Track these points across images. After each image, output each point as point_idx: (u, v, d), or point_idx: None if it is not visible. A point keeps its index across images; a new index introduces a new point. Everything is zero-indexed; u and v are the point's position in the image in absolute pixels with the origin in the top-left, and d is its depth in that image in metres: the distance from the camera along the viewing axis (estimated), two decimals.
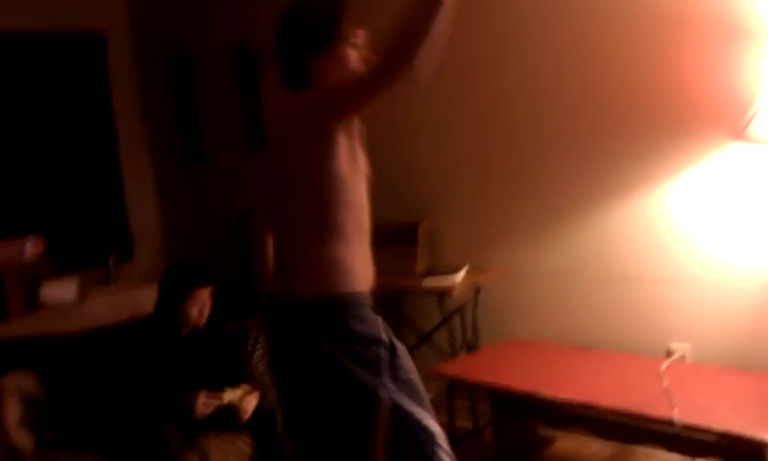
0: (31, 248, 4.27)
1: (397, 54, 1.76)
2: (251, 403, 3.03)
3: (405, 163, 3.91)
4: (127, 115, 5.67)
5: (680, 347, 3.14)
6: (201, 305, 3.03)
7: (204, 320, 3.06)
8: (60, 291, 3.96)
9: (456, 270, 3.60)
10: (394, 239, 3.73)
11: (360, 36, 2.04)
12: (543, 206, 3.54)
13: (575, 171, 3.40)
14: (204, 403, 2.93)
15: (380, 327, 2.02)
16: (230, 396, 2.97)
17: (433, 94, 3.67)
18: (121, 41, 5.65)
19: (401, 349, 2.05)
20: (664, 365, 2.97)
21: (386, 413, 1.94)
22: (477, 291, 3.67)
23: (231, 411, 2.99)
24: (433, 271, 3.69)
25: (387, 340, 2.01)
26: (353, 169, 2.01)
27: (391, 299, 3.88)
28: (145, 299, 3.89)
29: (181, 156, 5.60)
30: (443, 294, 3.57)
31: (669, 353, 3.13)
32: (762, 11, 2.80)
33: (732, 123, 2.77)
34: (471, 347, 3.71)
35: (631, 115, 3.21)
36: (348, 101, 1.93)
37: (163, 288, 3.10)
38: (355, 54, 2.03)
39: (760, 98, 2.64)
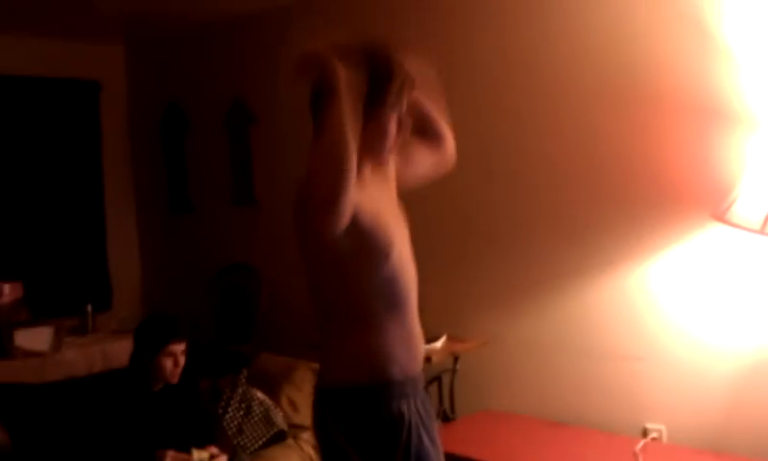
0: (7, 294, 4.25)
1: (319, 203, 1.65)
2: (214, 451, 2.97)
3: None
4: (115, 163, 5.69)
5: (655, 427, 3.11)
6: (174, 359, 2.99)
7: (177, 375, 3.02)
8: (35, 339, 3.91)
9: (435, 338, 3.57)
10: None
11: (405, 104, 1.86)
12: (524, 278, 3.54)
13: (556, 245, 3.42)
14: None
15: (403, 428, 1.84)
16: (198, 455, 2.92)
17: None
18: (116, 90, 5.72)
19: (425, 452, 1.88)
20: (639, 445, 2.95)
21: None
22: (455, 360, 3.65)
23: None
24: None
25: (412, 445, 1.84)
26: (362, 248, 1.80)
27: None
28: (120, 351, 3.87)
29: (167, 207, 5.61)
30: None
31: (645, 433, 3.11)
32: (746, 96, 2.85)
33: (714, 205, 2.79)
34: (447, 417, 3.67)
35: (613, 192, 3.24)
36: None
37: (137, 340, 3.07)
38: (395, 124, 1.85)
39: (742, 182, 2.66)
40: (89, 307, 4.37)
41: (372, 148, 1.84)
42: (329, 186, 1.63)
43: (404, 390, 1.87)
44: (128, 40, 5.69)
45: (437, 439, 1.95)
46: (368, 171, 1.87)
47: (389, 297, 1.85)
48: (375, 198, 1.85)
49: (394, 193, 2.01)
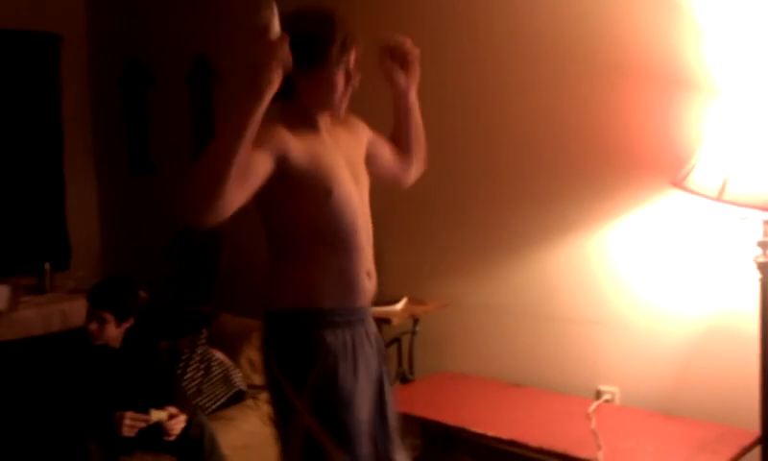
0: None
1: (187, 206, 1.75)
2: (178, 424, 2.98)
3: None
4: (75, 120, 5.59)
5: (608, 389, 3.17)
6: (92, 323, 3.02)
7: (101, 340, 3.04)
8: None
9: (396, 300, 3.60)
10: None
11: (351, 58, 2.01)
12: (483, 242, 3.56)
13: (516, 209, 3.43)
14: (130, 424, 2.88)
15: (321, 352, 1.98)
16: (157, 415, 2.93)
17: (382, 126, 3.69)
18: (76, 43, 5.59)
19: (348, 390, 2.00)
20: (592, 407, 3.00)
21: (298, 435, 1.99)
22: (415, 322, 3.67)
23: (158, 431, 2.94)
24: (373, 299, 3.67)
25: (326, 369, 1.98)
26: (309, 187, 1.96)
27: None
28: (78, 310, 3.83)
29: (128, 165, 5.53)
30: (381, 323, 3.56)
31: (598, 395, 3.16)
32: (707, 64, 2.86)
33: (672, 172, 2.81)
34: (406, 378, 3.70)
35: (573, 157, 3.26)
36: None
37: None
38: (343, 77, 2.01)
39: (701, 149, 2.68)
40: (47, 266, 4.31)
41: (322, 101, 2.02)
42: (199, 198, 1.74)
43: (332, 319, 2.02)
44: None
45: (365, 375, 2.06)
46: (323, 120, 2.06)
47: (326, 234, 2.02)
48: (319, 145, 2.01)
49: (356, 148, 2.18)
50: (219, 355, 3.65)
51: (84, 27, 5.66)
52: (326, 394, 1.99)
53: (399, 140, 2.37)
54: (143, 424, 2.90)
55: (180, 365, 3.54)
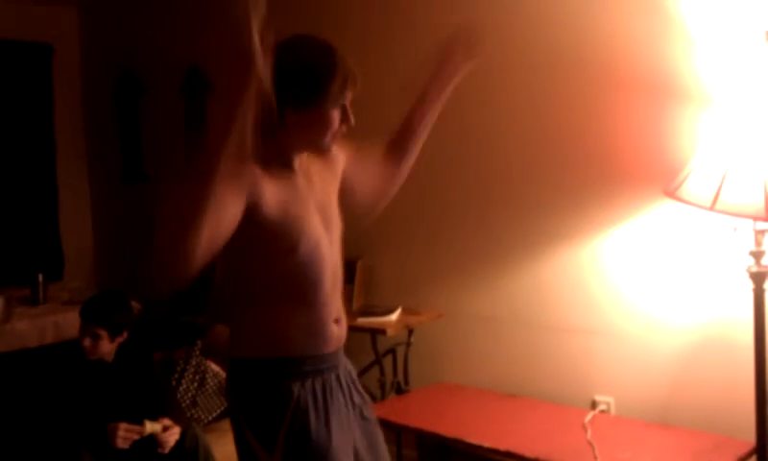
0: None
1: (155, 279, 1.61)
2: (173, 436, 2.97)
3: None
4: (68, 130, 5.57)
5: (604, 399, 3.17)
6: (90, 339, 3.01)
7: (95, 355, 3.03)
8: None
9: (391, 311, 3.60)
10: None
11: (348, 97, 1.86)
12: (477, 252, 3.56)
13: (510, 219, 3.44)
14: (124, 436, 2.87)
15: (290, 407, 1.85)
16: (151, 427, 2.92)
17: (372, 138, 3.69)
18: (69, 54, 5.57)
19: (323, 445, 1.86)
20: (588, 417, 3.00)
21: None
22: (410, 333, 3.67)
23: (152, 444, 2.93)
24: (368, 310, 3.68)
25: (297, 426, 1.85)
26: (277, 239, 1.81)
27: None
28: (71, 321, 3.81)
29: (121, 176, 5.52)
30: (376, 334, 3.56)
31: (594, 405, 3.17)
32: (699, 73, 2.87)
33: (666, 181, 2.82)
34: (401, 389, 3.70)
35: (567, 167, 3.26)
36: None
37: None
38: (338, 115, 1.85)
39: (694, 159, 2.69)
40: (41, 277, 4.29)
41: (311, 140, 1.87)
42: (165, 262, 1.59)
43: (300, 369, 1.89)
44: (82, 3, 5.54)
45: (339, 425, 1.92)
46: (299, 159, 1.89)
47: (291, 287, 1.88)
48: (292, 191, 1.84)
49: (331, 186, 2.02)
50: (214, 367, 3.64)
51: (76, 37, 5.65)
52: (299, 450, 1.86)
53: (401, 138, 2.23)
54: (137, 436, 2.90)
55: (175, 377, 3.52)
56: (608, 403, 3.16)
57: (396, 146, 2.25)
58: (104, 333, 3.02)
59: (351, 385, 2.03)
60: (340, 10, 3.96)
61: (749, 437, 2.65)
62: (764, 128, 2.48)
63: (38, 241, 5.34)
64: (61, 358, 3.13)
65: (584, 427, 2.92)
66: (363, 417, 2.03)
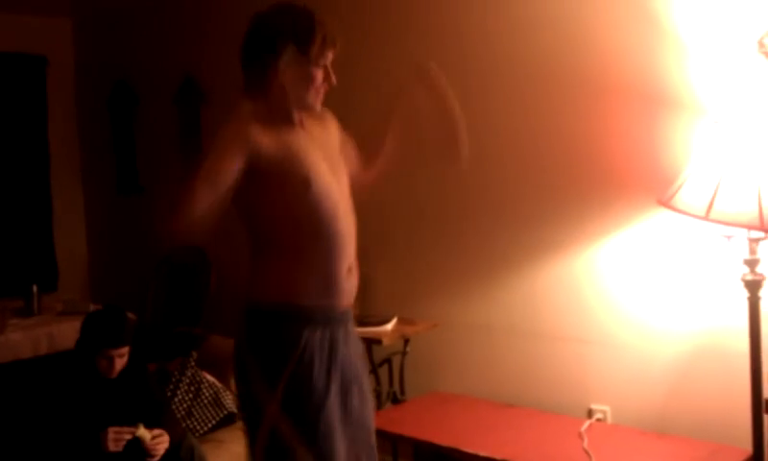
0: None
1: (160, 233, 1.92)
2: (161, 444, 2.95)
3: None
4: (62, 141, 5.58)
5: (600, 408, 3.17)
6: (109, 362, 2.97)
7: (114, 374, 2.99)
8: None
9: (386, 320, 3.60)
10: None
11: (329, 58, 2.05)
12: (472, 261, 3.57)
13: (504, 229, 3.45)
14: (115, 438, 2.85)
15: (298, 348, 2.00)
16: (143, 432, 2.90)
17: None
18: (63, 65, 5.58)
19: (320, 390, 2.02)
20: (585, 425, 3.01)
21: (265, 431, 2.00)
22: (406, 342, 3.67)
23: (142, 453, 2.91)
24: (363, 319, 3.67)
25: (301, 367, 2.00)
26: (293, 180, 1.99)
27: None
28: (66, 333, 3.81)
29: (115, 187, 5.51)
30: (371, 343, 3.56)
31: (590, 414, 3.17)
32: (693, 82, 2.89)
33: (660, 190, 2.83)
34: (397, 399, 3.70)
35: (561, 177, 3.27)
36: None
37: (81, 335, 3.04)
38: (320, 74, 2.04)
39: (687, 168, 2.71)
40: (35, 288, 4.28)
41: (297, 96, 2.04)
42: (168, 212, 1.85)
43: (311, 317, 2.03)
44: (76, 14, 5.55)
45: (339, 377, 2.06)
46: (297, 115, 2.07)
47: (307, 227, 2.02)
48: (295, 139, 2.03)
49: (331, 141, 2.20)
50: (209, 378, 3.63)
51: (70, 49, 5.66)
52: (299, 391, 2.00)
53: (376, 139, 2.37)
54: (129, 436, 2.86)
55: (170, 388, 3.51)
56: (604, 412, 3.16)
57: (367, 161, 2.39)
58: (126, 351, 3.00)
59: (355, 350, 2.18)
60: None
61: (745, 445, 2.65)
62: (757, 137, 2.49)
63: (33, 252, 5.33)
64: (59, 371, 3.10)
65: (580, 436, 2.92)
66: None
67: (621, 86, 3.07)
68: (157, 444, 2.93)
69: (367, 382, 2.24)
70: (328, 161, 2.11)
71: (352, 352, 2.15)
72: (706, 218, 2.55)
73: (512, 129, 3.39)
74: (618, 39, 3.06)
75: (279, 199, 2.00)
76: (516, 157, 3.40)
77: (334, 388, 2.05)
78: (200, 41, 4.78)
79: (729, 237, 2.64)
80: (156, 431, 2.95)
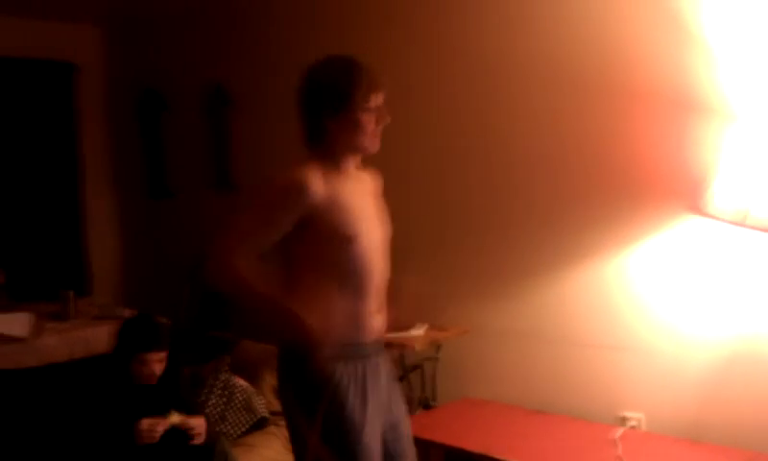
0: None
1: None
2: (199, 422, 2.95)
3: None
4: (93, 147, 5.65)
5: (633, 416, 3.16)
6: (148, 367, 2.97)
7: (154, 379, 3.00)
8: (15, 325, 3.87)
9: (418, 326, 3.61)
10: None
11: (375, 101, 2.15)
12: (503, 267, 3.57)
13: (534, 235, 3.45)
14: (149, 428, 2.85)
15: (331, 383, 2.11)
16: (177, 418, 2.91)
17: (397, 153, 3.72)
18: (93, 72, 5.64)
19: (357, 420, 2.13)
20: (618, 433, 3.00)
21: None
22: (437, 348, 3.68)
23: (183, 439, 2.92)
24: (395, 326, 3.68)
25: (336, 400, 2.11)
26: (339, 235, 2.10)
27: None
28: (101, 337, 3.86)
29: (146, 192, 5.58)
30: (403, 350, 3.57)
31: (623, 421, 3.16)
32: (722, 88, 2.88)
33: (691, 196, 2.83)
34: (428, 404, 3.71)
35: (591, 182, 3.27)
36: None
37: (118, 341, 3.06)
38: (370, 118, 2.15)
39: (719, 174, 2.70)
40: (71, 293, 4.33)
41: (352, 142, 2.17)
42: (217, 266, 2.12)
43: (343, 352, 2.14)
44: (106, 22, 5.61)
45: (376, 406, 2.19)
46: (349, 164, 2.21)
47: (341, 277, 2.14)
48: (344, 189, 2.16)
49: (371, 188, 2.34)
50: (241, 382, 3.66)
51: (101, 56, 5.72)
52: (336, 423, 2.11)
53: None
54: (162, 428, 2.86)
55: (204, 391, 3.55)
56: (638, 419, 3.15)
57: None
58: (164, 356, 3.01)
59: (390, 381, 2.31)
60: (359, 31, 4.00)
61: None
62: None
63: (66, 257, 5.40)
64: (95, 376, 3.12)
65: (614, 444, 2.91)
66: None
67: (650, 92, 3.06)
68: (195, 420, 2.93)
69: (404, 415, 2.39)
70: (372, 210, 2.26)
71: (384, 384, 2.26)
72: (740, 224, 2.54)
73: (540, 134, 3.39)
74: (647, 45, 3.05)
75: (321, 248, 2.12)
76: (545, 163, 3.40)
77: (371, 417, 2.17)
78: (229, 50, 4.83)
79: (764, 242, 2.63)
80: (190, 421, 2.95)
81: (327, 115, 2.12)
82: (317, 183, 2.07)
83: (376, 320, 2.23)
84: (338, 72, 2.14)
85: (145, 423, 2.85)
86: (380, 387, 2.24)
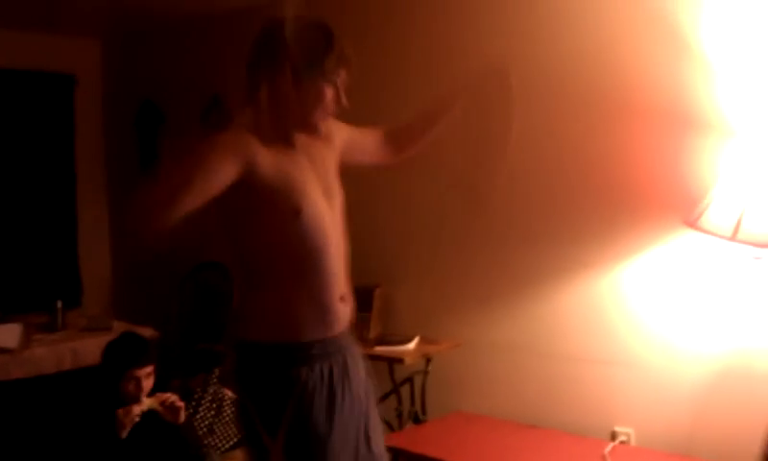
0: None
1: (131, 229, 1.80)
2: (177, 404, 2.93)
3: (363, 229, 3.88)
4: (89, 159, 5.64)
5: (624, 430, 3.13)
6: (137, 383, 2.95)
7: (142, 395, 2.97)
8: (3, 336, 3.83)
9: (408, 339, 3.58)
10: None
11: (342, 77, 1.94)
12: (496, 280, 3.55)
13: (528, 248, 3.43)
14: (124, 412, 2.83)
15: (295, 392, 1.88)
16: (149, 402, 2.89)
17: (394, 166, 3.71)
18: (91, 84, 5.65)
19: (322, 434, 1.90)
20: (608, 448, 2.97)
21: None
22: (428, 361, 3.65)
23: (163, 426, 2.89)
24: (385, 339, 3.67)
25: (300, 411, 1.89)
26: (284, 209, 1.89)
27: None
28: (90, 348, 3.83)
29: None
30: (393, 363, 3.54)
31: (613, 436, 3.13)
32: (720, 103, 2.87)
33: (686, 211, 2.81)
34: (419, 418, 3.67)
35: (586, 196, 3.26)
36: None
37: (105, 361, 3.04)
38: (331, 92, 1.94)
39: (714, 189, 2.68)
40: (60, 304, 4.31)
41: (305, 112, 1.94)
42: (147, 210, 1.73)
43: (309, 353, 1.92)
44: (104, 34, 5.63)
45: (346, 409, 1.95)
46: (297, 134, 1.96)
47: (296, 256, 1.92)
48: (291, 161, 1.92)
49: (330, 160, 2.09)
50: (231, 394, 3.63)
51: (98, 68, 5.73)
52: (300, 436, 1.89)
53: (411, 130, 2.36)
54: (138, 409, 2.86)
55: (192, 404, 3.52)
56: (628, 434, 3.12)
57: (404, 135, 2.36)
58: (152, 370, 2.99)
59: (362, 373, 2.07)
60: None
61: None
62: None
63: (57, 268, 5.38)
64: (81, 387, 3.10)
65: (604, 458, 2.89)
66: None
67: (648, 107, 3.05)
68: (172, 401, 2.92)
69: (374, 411, 2.13)
70: (323, 186, 2.01)
71: (354, 382, 2.02)
72: (733, 239, 2.53)
73: (538, 149, 3.38)
74: (645, 60, 3.05)
75: (268, 224, 1.89)
76: (541, 177, 3.39)
77: (338, 427, 1.93)
78: (226, 61, 4.83)
79: (757, 258, 2.61)
80: (164, 395, 2.94)
81: (285, 78, 1.87)
82: (258, 146, 1.84)
83: (341, 309, 2.00)
84: (311, 33, 1.90)
85: (120, 410, 2.83)
86: (353, 385, 2.00)
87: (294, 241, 1.91)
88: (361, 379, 2.06)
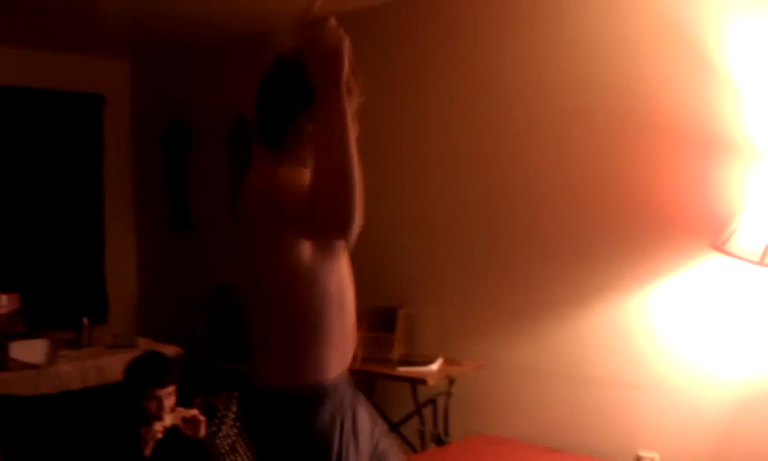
0: (4, 305, 4.24)
1: (332, 223, 1.59)
2: (199, 418, 2.94)
3: (387, 250, 3.92)
4: (117, 178, 5.71)
5: (649, 455, 3.09)
6: (158, 403, 2.95)
7: (164, 413, 2.97)
8: (30, 352, 3.88)
9: (432, 360, 3.57)
10: (372, 324, 3.72)
11: (355, 105, 1.81)
12: (520, 303, 3.54)
13: (554, 271, 3.42)
14: (146, 432, 2.83)
15: (334, 435, 1.84)
16: (171, 418, 2.90)
17: (419, 186, 3.74)
18: (120, 104, 5.73)
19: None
20: None
21: None
22: (451, 383, 3.63)
23: (185, 442, 2.90)
24: (408, 359, 3.66)
25: (343, 447, 1.84)
26: (323, 252, 1.80)
27: (363, 384, 3.82)
28: (115, 365, 3.85)
29: (168, 223, 5.61)
30: (416, 384, 3.53)
31: (638, 460, 3.10)
32: (747, 127, 2.86)
33: (713, 235, 2.80)
34: (441, 440, 3.65)
35: (612, 220, 3.25)
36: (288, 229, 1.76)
37: (127, 380, 3.06)
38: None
39: (742, 213, 2.66)
40: (86, 321, 4.35)
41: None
42: (341, 208, 1.56)
43: (335, 393, 1.86)
44: (133, 55, 5.72)
45: (364, 441, 1.92)
46: None
47: (340, 300, 1.85)
48: None
49: None
50: None
51: (127, 88, 5.82)
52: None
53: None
54: (160, 425, 2.86)
55: (215, 422, 3.52)
56: (653, 459, 3.08)
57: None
58: (173, 390, 3.00)
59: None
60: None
61: None
62: None
63: (84, 285, 5.44)
64: (105, 404, 3.11)
65: None
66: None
67: (676, 130, 3.05)
68: (192, 415, 2.93)
69: (385, 436, 2.08)
70: None
71: (366, 410, 2.00)
72: (761, 263, 2.50)
73: (564, 172, 3.38)
74: (673, 84, 3.05)
75: (320, 264, 1.80)
76: (567, 200, 3.39)
77: (362, 455, 1.91)
78: (252, 82, 4.87)
79: None
80: (184, 410, 2.94)
81: (305, 111, 1.79)
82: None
83: (354, 340, 1.95)
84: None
85: (143, 428, 2.84)
86: (364, 415, 1.97)
87: (337, 281, 1.85)
88: (366, 409, 2.04)
